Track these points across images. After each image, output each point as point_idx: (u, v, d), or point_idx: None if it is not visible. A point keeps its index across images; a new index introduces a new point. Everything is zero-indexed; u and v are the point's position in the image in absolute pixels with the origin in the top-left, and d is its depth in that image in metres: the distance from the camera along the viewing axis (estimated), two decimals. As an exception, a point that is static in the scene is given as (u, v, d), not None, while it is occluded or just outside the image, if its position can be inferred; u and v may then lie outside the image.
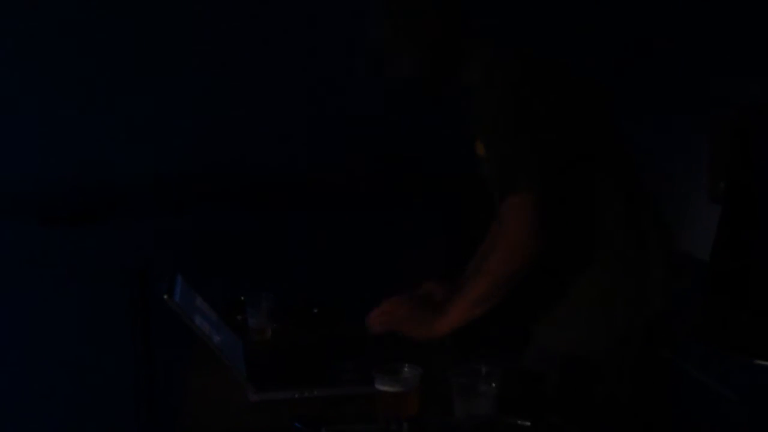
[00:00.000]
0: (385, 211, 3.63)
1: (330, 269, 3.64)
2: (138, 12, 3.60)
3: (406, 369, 1.97)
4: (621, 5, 3.86)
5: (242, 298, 2.68)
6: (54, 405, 3.68)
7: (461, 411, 1.92)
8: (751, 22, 3.81)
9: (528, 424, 1.79)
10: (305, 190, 3.73)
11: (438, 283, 2.38)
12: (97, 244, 3.67)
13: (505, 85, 2.07)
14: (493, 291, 1.99)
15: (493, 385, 1.91)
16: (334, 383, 2.18)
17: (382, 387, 1.92)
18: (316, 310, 2.73)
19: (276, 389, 2.13)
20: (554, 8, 3.82)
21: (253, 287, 2.62)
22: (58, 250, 3.66)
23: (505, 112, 2.05)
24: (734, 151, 3.44)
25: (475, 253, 2.50)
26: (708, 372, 3.13)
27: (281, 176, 3.74)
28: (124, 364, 3.69)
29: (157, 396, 3.72)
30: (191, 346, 2.39)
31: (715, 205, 3.47)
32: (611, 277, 2.14)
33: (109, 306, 3.67)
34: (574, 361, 2.12)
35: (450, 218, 3.15)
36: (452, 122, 2.28)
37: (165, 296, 2.06)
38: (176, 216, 3.73)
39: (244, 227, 3.71)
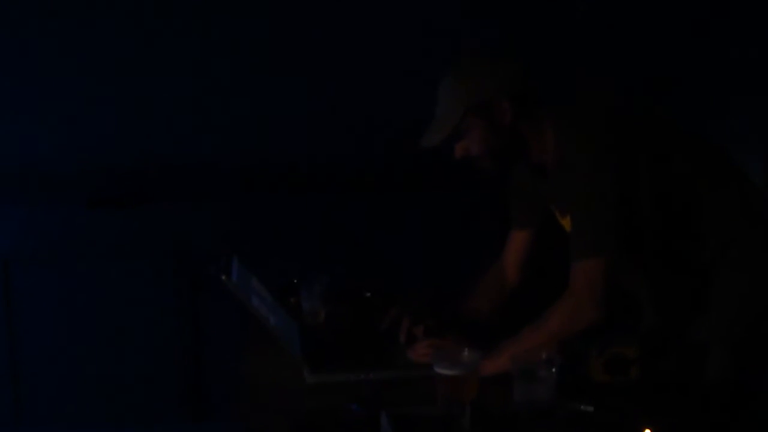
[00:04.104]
0: (443, 194, 3.61)
1: (383, 253, 3.63)
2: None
3: (465, 352, 1.96)
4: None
5: (295, 281, 2.68)
6: (99, 386, 3.72)
7: (520, 396, 1.91)
8: None
9: (591, 409, 1.77)
10: (359, 174, 3.72)
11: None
12: (146, 226, 3.69)
13: (581, 162, 2.03)
14: (546, 345, 1.98)
15: (553, 370, 1.90)
16: (390, 366, 2.18)
17: (441, 370, 1.91)
18: (368, 294, 2.72)
19: (332, 372, 2.13)
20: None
21: (307, 270, 2.62)
22: (106, 232, 3.68)
23: (582, 187, 2.03)
24: None
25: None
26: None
27: (333, 161, 3.73)
28: (172, 345, 3.72)
29: (206, 378, 3.74)
30: (243, 329, 2.40)
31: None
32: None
33: (156, 288, 3.70)
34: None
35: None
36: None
37: (223, 277, 2.06)
38: (229, 199, 3.74)
39: (297, 211, 3.70)
